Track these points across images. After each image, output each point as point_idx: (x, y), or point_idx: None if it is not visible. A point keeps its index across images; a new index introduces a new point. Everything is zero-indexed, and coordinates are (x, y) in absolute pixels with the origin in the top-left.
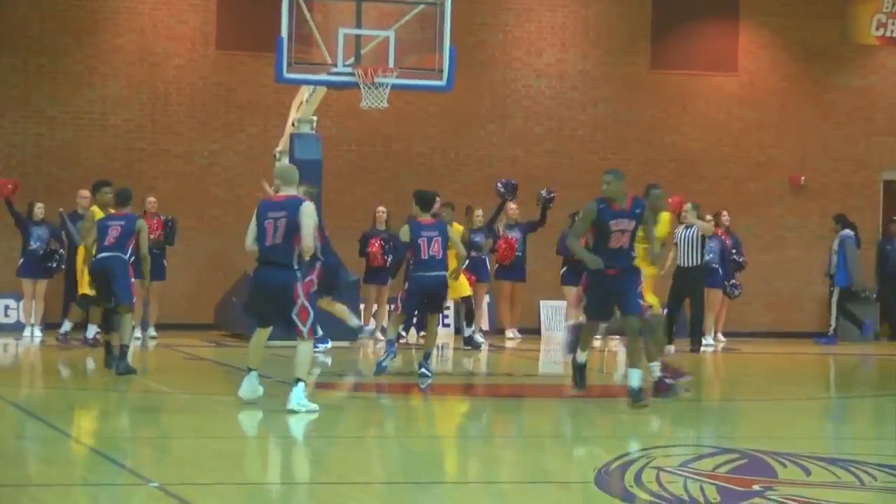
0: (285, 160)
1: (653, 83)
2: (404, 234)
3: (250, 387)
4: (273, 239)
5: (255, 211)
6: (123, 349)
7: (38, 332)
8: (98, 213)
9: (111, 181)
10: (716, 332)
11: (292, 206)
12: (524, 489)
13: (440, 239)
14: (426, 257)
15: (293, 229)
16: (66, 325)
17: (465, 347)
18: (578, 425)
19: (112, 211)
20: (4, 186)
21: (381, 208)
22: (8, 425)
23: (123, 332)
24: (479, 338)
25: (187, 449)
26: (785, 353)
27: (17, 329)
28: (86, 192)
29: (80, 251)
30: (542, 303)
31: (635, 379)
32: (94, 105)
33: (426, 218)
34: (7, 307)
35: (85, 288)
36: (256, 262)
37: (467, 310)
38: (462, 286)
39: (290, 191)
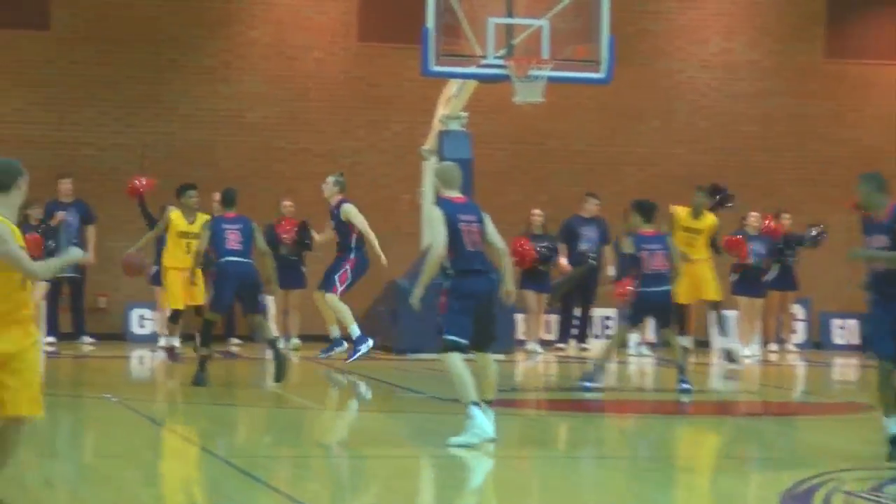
0: (433, 159)
1: (829, 74)
2: (629, 246)
3: (486, 422)
4: (472, 245)
5: (441, 213)
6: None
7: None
8: (179, 218)
9: (196, 184)
10: None
11: (476, 209)
12: None
13: (664, 252)
14: (650, 271)
15: (482, 235)
16: (172, 340)
17: (723, 360)
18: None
19: (226, 213)
20: (138, 184)
21: (536, 211)
22: (146, 440)
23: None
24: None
25: (332, 467)
26: None
27: (152, 340)
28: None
29: (172, 257)
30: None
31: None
32: (230, 102)
33: (647, 229)
34: (142, 317)
35: (178, 302)
36: (452, 272)
37: (718, 316)
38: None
39: (454, 193)
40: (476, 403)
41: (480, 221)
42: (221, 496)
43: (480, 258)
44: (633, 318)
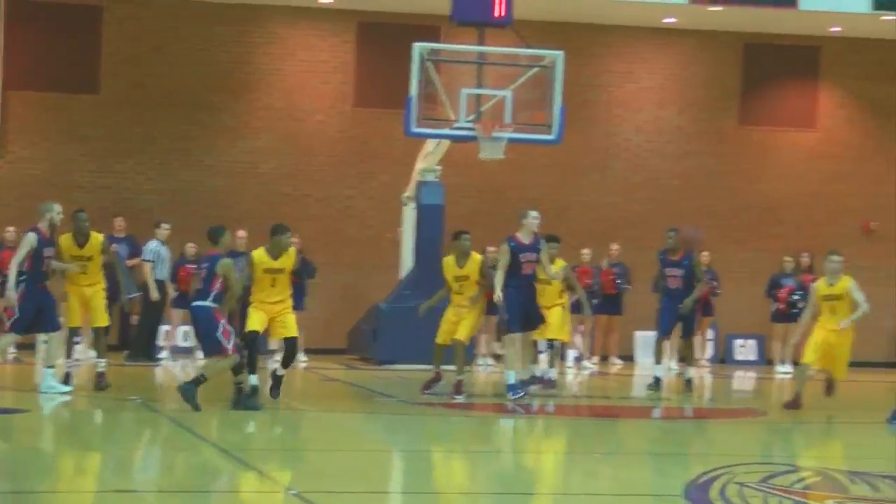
0: (412, 205)
1: (741, 137)
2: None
3: None
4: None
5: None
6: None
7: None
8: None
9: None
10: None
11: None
12: (619, 500)
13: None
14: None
15: None
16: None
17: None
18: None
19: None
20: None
21: (491, 248)
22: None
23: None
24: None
25: (324, 461)
26: (862, 381)
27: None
28: (243, 233)
29: None
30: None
31: None
32: (247, 155)
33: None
34: (186, 333)
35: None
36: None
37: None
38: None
39: None
40: None
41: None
42: (217, 479)
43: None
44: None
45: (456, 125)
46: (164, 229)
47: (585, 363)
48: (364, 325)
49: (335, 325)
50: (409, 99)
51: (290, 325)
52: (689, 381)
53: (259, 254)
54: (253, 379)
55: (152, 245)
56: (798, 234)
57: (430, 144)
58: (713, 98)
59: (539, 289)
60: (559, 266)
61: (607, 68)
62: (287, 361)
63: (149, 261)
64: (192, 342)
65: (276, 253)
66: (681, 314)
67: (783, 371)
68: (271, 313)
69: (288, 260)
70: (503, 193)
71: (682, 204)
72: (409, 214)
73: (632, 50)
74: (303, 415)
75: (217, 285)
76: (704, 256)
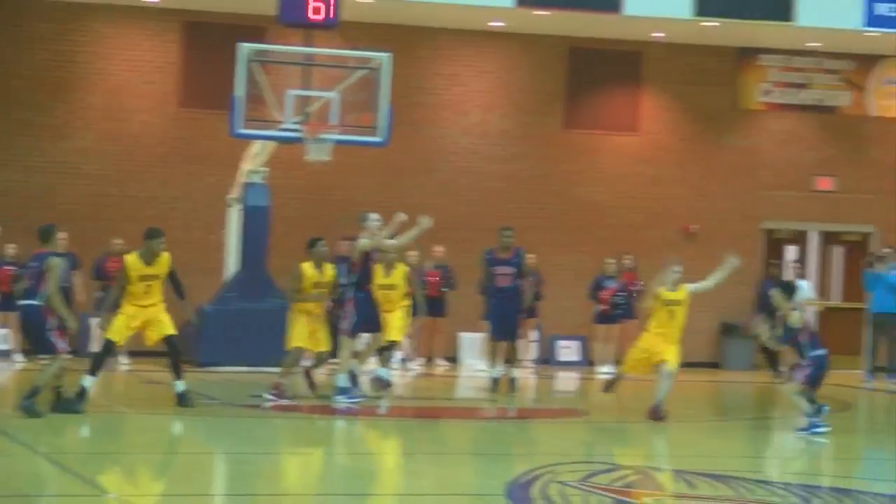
0: (237, 206)
1: (565, 141)
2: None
3: None
4: None
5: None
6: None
7: None
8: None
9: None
10: None
11: None
12: (442, 500)
13: None
14: None
15: None
16: None
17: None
18: (492, 443)
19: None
20: None
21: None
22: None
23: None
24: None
25: (143, 463)
26: (682, 381)
27: None
28: (64, 234)
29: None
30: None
31: None
32: (69, 155)
33: None
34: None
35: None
36: None
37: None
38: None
39: None
40: None
41: None
42: (38, 485)
43: None
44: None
45: (282, 126)
46: None
47: (410, 364)
48: (189, 327)
49: None
50: (234, 99)
51: (166, 323)
52: (512, 381)
53: (132, 259)
54: (87, 381)
55: None
56: (621, 237)
57: (256, 146)
58: (538, 102)
59: (383, 294)
60: (401, 271)
61: (435, 71)
62: (175, 361)
63: None
64: (10, 345)
65: (149, 258)
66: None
67: (604, 372)
68: (145, 316)
69: (162, 266)
70: (329, 195)
71: (507, 206)
72: (235, 216)
73: (458, 53)
74: (124, 418)
75: (45, 285)
76: (530, 258)
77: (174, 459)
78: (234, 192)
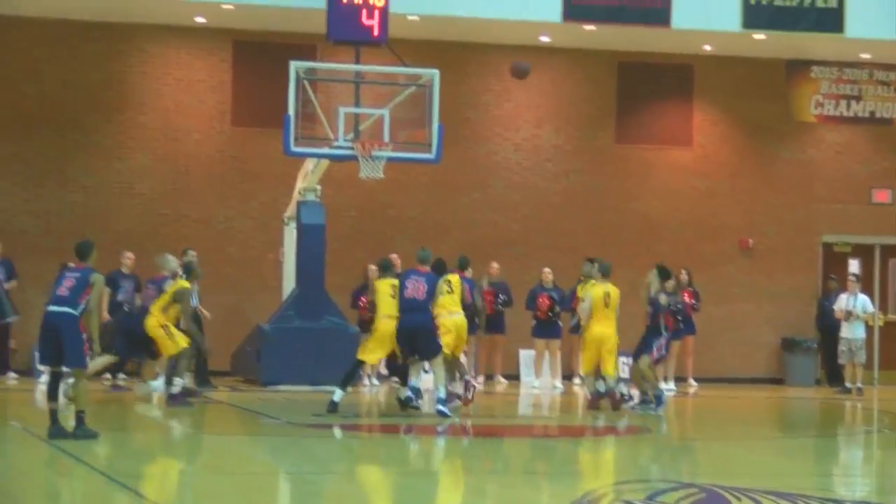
0: (293, 225)
1: (618, 156)
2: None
3: None
4: None
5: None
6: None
7: None
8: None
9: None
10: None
11: None
12: None
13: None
14: None
15: None
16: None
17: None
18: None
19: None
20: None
21: (371, 266)
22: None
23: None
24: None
25: (207, 484)
26: (742, 397)
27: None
28: (130, 254)
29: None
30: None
31: None
32: (122, 175)
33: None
34: None
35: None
36: None
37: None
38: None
39: None
40: None
41: None
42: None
43: None
44: None
45: (335, 144)
46: None
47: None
48: (248, 347)
49: (218, 347)
50: (287, 118)
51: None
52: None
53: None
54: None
55: None
56: (676, 252)
57: (309, 163)
58: (590, 116)
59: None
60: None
61: (485, 87)
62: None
63: None
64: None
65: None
66: None
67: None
68: None
69: None
70: (383, 212)
71: (562, 222)
72: (290, 234)
73: (508, 69)
74: (186, 438)
75: (86, 298)
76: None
77: (238, 479)
78: (289, 211)
